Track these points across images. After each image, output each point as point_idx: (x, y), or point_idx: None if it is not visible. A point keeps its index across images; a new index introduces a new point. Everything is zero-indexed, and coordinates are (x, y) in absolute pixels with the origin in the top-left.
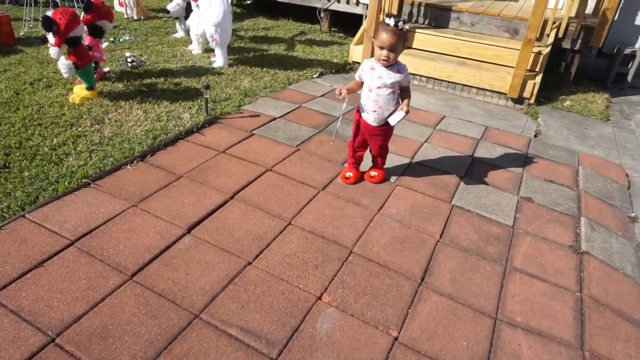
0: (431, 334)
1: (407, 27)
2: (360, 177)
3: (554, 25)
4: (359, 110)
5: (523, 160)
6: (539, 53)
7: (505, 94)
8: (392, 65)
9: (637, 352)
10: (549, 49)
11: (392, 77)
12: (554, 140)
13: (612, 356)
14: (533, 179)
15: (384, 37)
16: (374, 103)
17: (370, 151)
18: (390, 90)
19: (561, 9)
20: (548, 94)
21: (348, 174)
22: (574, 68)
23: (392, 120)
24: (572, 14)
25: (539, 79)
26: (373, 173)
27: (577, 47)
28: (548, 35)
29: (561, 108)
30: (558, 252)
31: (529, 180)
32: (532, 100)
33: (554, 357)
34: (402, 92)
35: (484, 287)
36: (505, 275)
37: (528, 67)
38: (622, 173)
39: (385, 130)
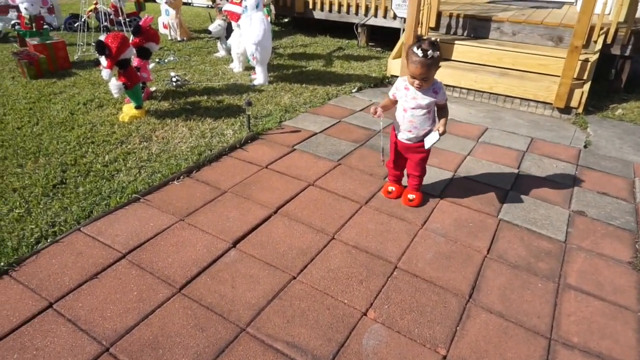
0: (482, 354)
1: (437, 53)
2: (402, 192)
3: (601, 31)
4: (394, 129)
5: (573, 172)
6: (586, 60)
7: (551, 103)
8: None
9: None
10: (596, 55)
11: (428, 98)
12: (605, 150)
13: None
14: (585, 191)
15: (414, 68)
16: (409, 124)
17: (407, 169)
18: (425, 110)
19: (609, 14)
20: (597, 102)
21: (390, 188)
22: (625, 75)
23: (427, 143)
24: (621, 19)
25: (587, 87)
26: (411, 196)
27: (627, 52)
28: (595, 42)
29: (612, 117)
30: (616, 268)
31: (581, 193)
32: (580, 110)
33: None
34: (439, 110)
35: (536, 305)
36: (558, 293)
37: (575, 76)
38: None
39: (421, 145)
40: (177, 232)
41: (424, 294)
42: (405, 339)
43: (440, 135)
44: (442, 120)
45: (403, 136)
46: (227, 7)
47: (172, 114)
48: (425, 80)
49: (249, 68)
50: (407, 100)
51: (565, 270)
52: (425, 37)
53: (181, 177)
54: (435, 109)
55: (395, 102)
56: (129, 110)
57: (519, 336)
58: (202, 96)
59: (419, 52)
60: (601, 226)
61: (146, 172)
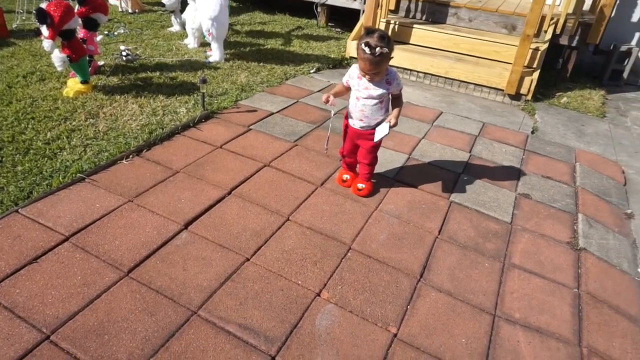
0: (430, 331)
1: (386, 50)
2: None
3: (551, 22)
4: (347, 116)
5: (520, 156)
6: (537, 49)
7: (503, 90)
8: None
9: (633, 347)
10: (546, 45)
11: (380, 89)
12: (551, 136)
13: (610, 352)
14: (531, 175)
15: (363, 64)
16: (360, 113)
17: (358, 157)
18: (377, 101)
19: (559, 6)
20: (545, 90)
21: (345, 176)
22: (570, 65)
23: (377, 135)
24: (570, 11)
25: (536, 75)
26: (360, 185)
27: (574, 43)
28: (546, 32)
29: (558, 104)
30: (556, 248)
31: (527, 177)
32: (529, 97)
33: (552, 353)
34: (393, 100)
35: (483, 283)
36: (503, 272)
37: (525, 64)
38: (619, 170)
39: (373, 132)
40: (126, 214)
41: (377, 274)
42: (357, 319)
43: (391, 127)
44: (395, 112)
45: (355, 124)
46: None
47: (122, 90)
48: (376, 74)
49: (205, 44)
50: (360, 90)
51: (510, 250)
52: (375, 30)
53: (130, 156)
54: (390, 98)
55: (349, 88)
56: (74, 84)
57: (465, 313)
58: (154, 72)
59: (367, 50)
60: (544, 208)
61: (92, 150)
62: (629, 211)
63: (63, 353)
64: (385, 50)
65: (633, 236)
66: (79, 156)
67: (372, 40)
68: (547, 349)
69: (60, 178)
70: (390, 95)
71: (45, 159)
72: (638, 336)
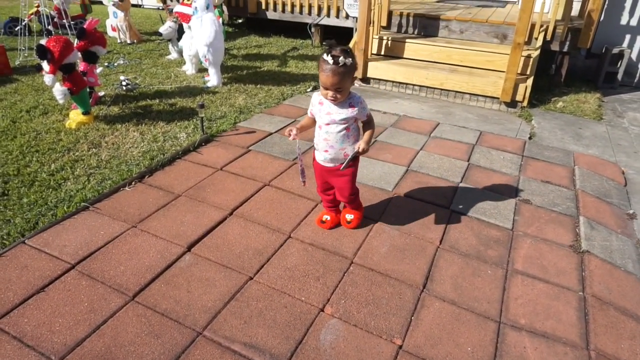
0: (435, 341)
1: (349, 60)
2: (339, 220)
3: (541, 29)
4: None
5: (519, 162)
6: (529, 56)
7: (498, 98)
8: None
9: None
10: (538, 52)
11: (343, 112)
12: (548, 141)
13: (618, 354)
14: (530, 181)
15: (325, 77)
16: (324, 142)
17: (337, 196)
18: (341, 126)
19: (547, 13)
20: (540, 96)
21: (325, 217)
22: (564, 69)
23: (343, 165)
24: (559, 17)
25: (530, 82)
26: (349, 216)
27: (565, 48)
28: (536, 39)
29: (554, 109)
30: (559, 252)
31: (526, 183)
32: (525, 103)
33: (559, 358)
34: (364, 126)
35: (486, 291)
36: (507, 278)
37: (519, 71)
38: (618, 171)
39: (342, 171)
40: (129, 239)
41: (380, 286)
42: (362, 332)
43: (359, 153)
44: (366, 136)
45: (320, 157)
46: (178, 8)
47: (123, 119)
48: (339, 91)
49: (202, 70)
50: (322, 116)
51: (512, 256)
52: (336, 45)
53: (133, 182)
54: (360, 126)
55: (314, 120)
56: (76, 116)
57: (470, 322)
58: (154, 100)
59: (329, 59)
60: (545, 213)
61: (95, 179)
62: (631, 211)
63: None
64: (349, 61)
65: (636, 236)
66: (83, 185)
67: (335, 52)
68: (554, 353)
69: (65, 208)
70: (359, 124)
71: (50, 189)
72: None
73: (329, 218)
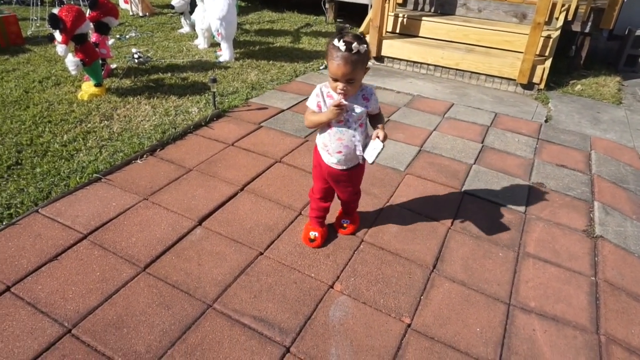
0: (444, 321)
1: (364, 47)
2: (327, 235)
3: (562, 8)
4: (317, 150)
5: (534, 145)
6: (548, 37)
7: (515, 80)
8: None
9: None
10: (558, 32)
11: (357, 107)
12: (565, 125)
13: (629, 339)
14: (544, 164)
15: (335, 66)
16: (337, 142)
17: (339, 197)
18: (356, 123)
19: None
20: (558, 78)
21: (313, 234)
22: (584, 51)
23: (370, 156)
24: None
25: (548, 63)
26: (345, 222)
27: (587, 29)
28: (557, 19)
29: (572, 92)
30: (571, 237)
31: (541, 166)
32: (542, 86)
33: (569, 341)
34: (372, 118)
35: (497, 273)
36: (518, 261)
37: (537, 52)
38: (636, 156)
39: (355, 173)
40: (141, 212)
41: (390, 265)
42: (371, 310)
43: (383, 141)
44: (381, 125)
45: (332, 160)
46: None
47: (135, 92)
48: (351, 82)
49: (215, 44)
50: None
51: (524, 239)
52: (348, 31)
53: (144, 155)
54: (368, 119)
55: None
56: (88, 88)
57: (480, 303)
58: (165, 73)
59: (342, 46)
60: (559, 197)
61: (107, 151)
62: None
63: (84, 346)
64: (364, 47)
65: None
66: (95, 157)
67: (348, 38)
68: (563, 337)
69: (78, 178)
70: (368, 117)
71: (63, 160)
72: None
73: (317, 235)
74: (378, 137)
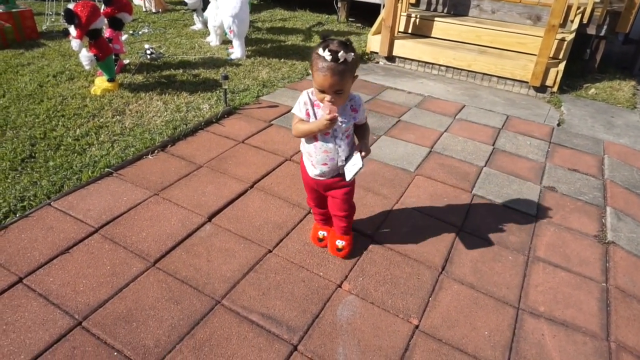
0: (452, 323)
1: (351, 55)
2: None
3: (578, 11)
4: (303, 161)
5: (546, 149)
6: (563, 40)
7: (527, 82)
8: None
9: None
10: (573, 35)
11: (346, 119)
12: (578, 129)
13: (639, 347)
14: (556, 168)
15: (322, 77)
16: (323, 155)
17: (330, 209)
18: (344, 134)
19: None
20: (572, 82)
21: (321, 233)
22: (599, 55)
23: (348, 174)
24: None
25: (562, 66)
26: (340, 242)
27: (602, 33)
28: (572, 21)
29: (585, 96)
30: (583, 242)
31: (552, 170)
32: (555, 89)
33: (578, 347)
34: (357, 128)
35: (506, 276)
36: (528, 265)
37: (551, 55)
38: None
39: (341, 178)
40: (152, 207)
41: (398, 266)
42: (378, 310)
43: (364, 158)
44: (364, 141)
45: (315, 172)
46: None
47: (147, 88)
48: (339, 93)
49: (227, 42)
50: None
51: (534, 243)
52: (332, 37)
53: (156, 151)
54: (352, 130)
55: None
56: (101, 83)
57: (488, 306)
58: (177, 70)
59: (327, 55)
60: (570, 201)
61: (119, 146)
62: None
63: (94, 338)
64: (351, 56)
65: None
66: (107, 151)
67: (333, 46)
68: (573, 342)
69: (90, 172)
70: (353, 127)
71: (75, 154)
72: None
73: (326, 234)
74: (360, 152)
